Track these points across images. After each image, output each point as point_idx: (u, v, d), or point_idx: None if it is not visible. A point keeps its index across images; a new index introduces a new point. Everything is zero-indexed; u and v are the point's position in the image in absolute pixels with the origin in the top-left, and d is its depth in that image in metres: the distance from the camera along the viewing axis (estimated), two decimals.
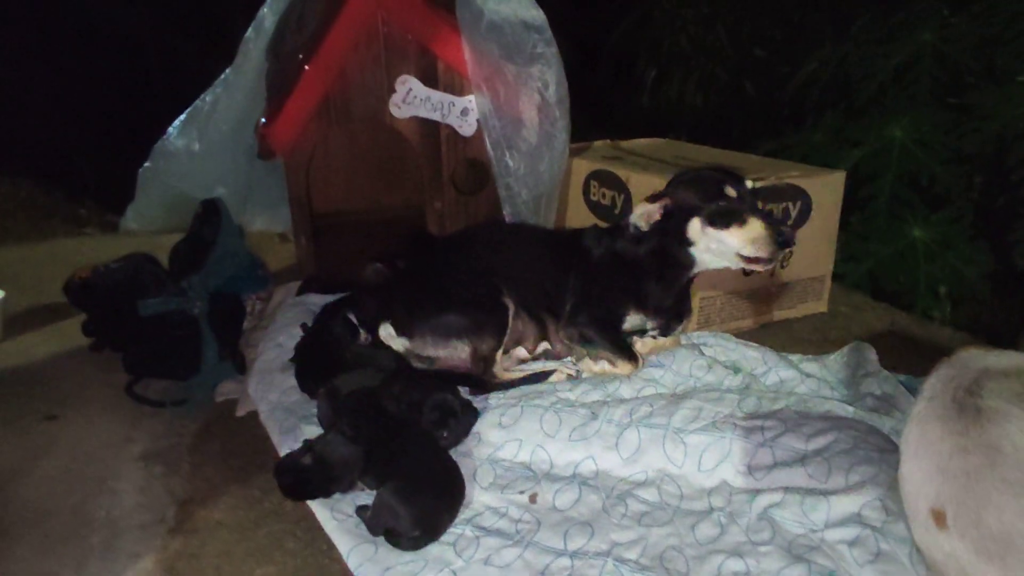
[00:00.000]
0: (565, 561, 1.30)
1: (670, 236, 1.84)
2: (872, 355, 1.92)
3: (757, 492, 1.42)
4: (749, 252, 1.73)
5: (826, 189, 2.30)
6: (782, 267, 2.30)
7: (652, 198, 1.85)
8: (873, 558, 1.24)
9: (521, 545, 1.33)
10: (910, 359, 2.00)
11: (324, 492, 1.48)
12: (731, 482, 1.47)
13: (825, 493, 1.38)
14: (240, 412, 1.89)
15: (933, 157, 3.48)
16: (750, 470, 1.47)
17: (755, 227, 1.71)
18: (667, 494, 1.47)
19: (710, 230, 1.77)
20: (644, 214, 1.84)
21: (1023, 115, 3.33)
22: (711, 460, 1.50)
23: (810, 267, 2.35)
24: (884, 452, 1.46)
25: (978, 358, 1.30)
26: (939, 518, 1.14)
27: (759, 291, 2.29)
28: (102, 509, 1.51)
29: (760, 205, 2.16)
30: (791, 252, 2.29)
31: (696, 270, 1.89)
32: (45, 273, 2.80)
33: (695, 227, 1.79)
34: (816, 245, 2.34)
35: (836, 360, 1.97)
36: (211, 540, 1.41)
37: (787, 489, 1.41)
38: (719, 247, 1.77)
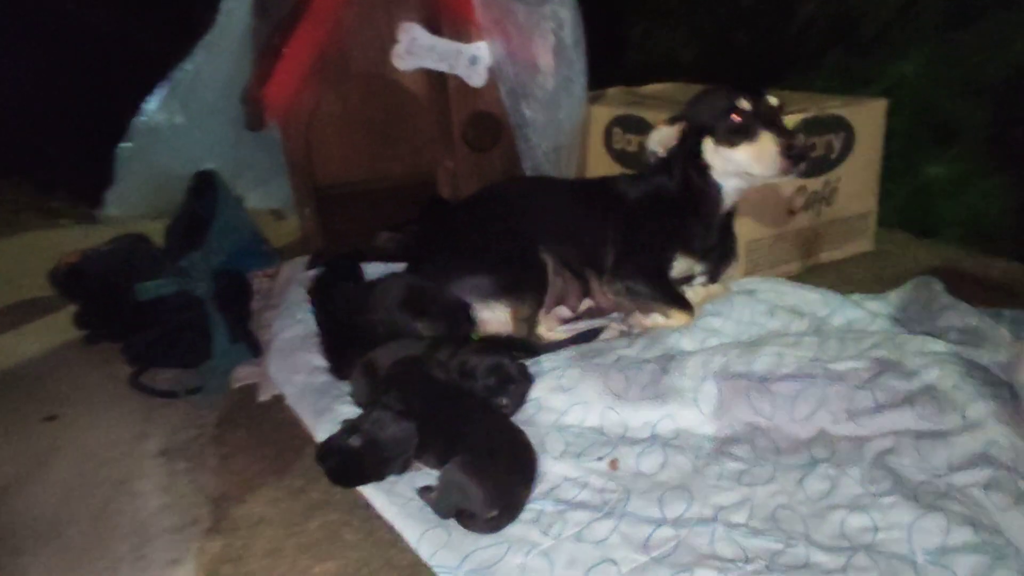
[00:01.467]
0: (668, 531, 1.14)
1: (690, 162, 1.72)
2: (940, 287, 1.78)
3: (864, 439, 1.28)
4: (758, 170, 1.60)
5: (868, 118, 2.16)
6: (828, 205, 2.16)
7: (669, 121, 1.73)
8: (1016, 500, 1.10)
9: (614, 516, 1.18)
10: (967, 294, 1.87)
11: (377, 475, 1.31)
12: (831, 430, 1.33)
13: (942, 434, 1.24)
14: (263, 397, 1.71)
15: (946, 91, 3.36)
16: (851, 416, 1.33)
17: (766, 142, 1.57)
18: (761, 449, 1.32)
19: (722, 149, 1.65)
20: (661, 138, 1.73)
21: None
22: (805, 408, 1.36)
23: (855, 203, 2.22)
24: (994, 386, 1.32)
25: None
26: None
27: (805, 231, 2.15)
28: (125, 514, 1.33)
29: (804, 138, 2.03)
30: (836, 187, 2.15)
31: (728, 200, 1.76)
32: (22, 267, 2.58)
33: (709, 148, 1.67)
34: (860, 179, 2.20)
35: (901, 296, 1.83)
36: (256, 538, 1.24)
37: (898, 433, 1.27)
38: (733, 167, 1.66)
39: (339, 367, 1.67)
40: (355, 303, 1.73)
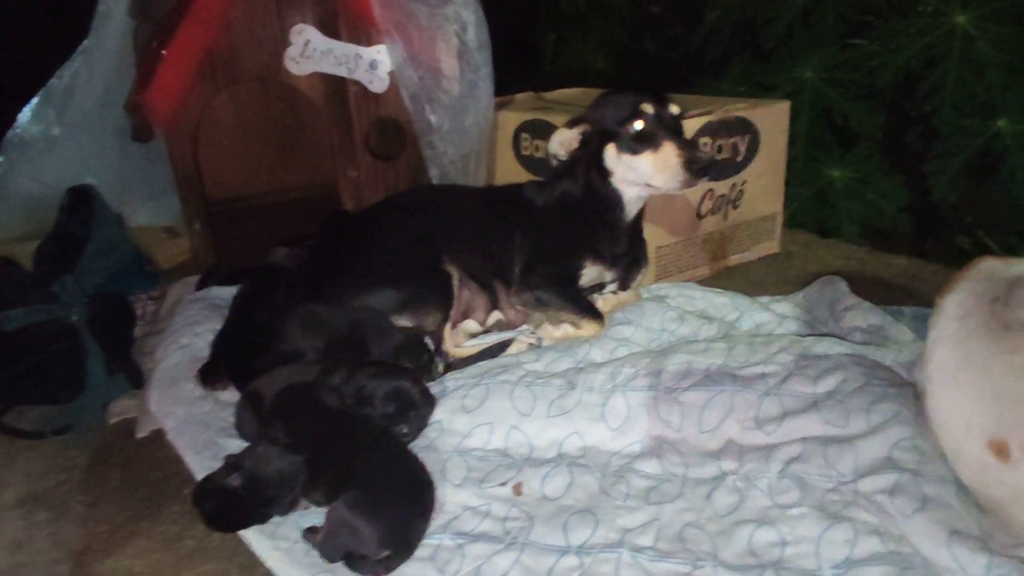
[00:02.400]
0: (572, 560, 1.08)
1: (592, 167, 1.68)
2: (845, 287, 1.79)
3: (772, 448, 1.25)
4: (659, 182, 1.58)
5: (772, 120, 2.17)
6: (735, 208, 2.16)
7: (570, 123, 1.68)
8: (920, 505, 1.08)
9: (515, 548, 1.10)
10: (870, 293, 1.89)
11: (260, 517, 1.19)
12: (739, 440, 1.29)
13: (848, 439, 1.22)
14: (141, 433, 1.56)
15: (845, 95, 3.47)
16: (758, 424, 1.29)
17: (668, 152, 1.55)
18: (670, 463, 1.27)
19: (624, 156, 1.61)
20: (562, 141, 1.68)
21: (929, 45, 3.34)
22: (713, 418, 1.32)
23: (762, 205, 2.23)
24: (898, 387, 1.31)
25: (1002, 268, 1.16)
26: (1000, 450, 1.00)
27: (713, 235, 2.14)
28: None
29: (709, 142, 2.03)
30: (742, 190, 2.16)
31: (630, 208, 1.73)
32: None
33: (611, 154, 1.64)
34: (766, 181, 2.21)
35: (807, 297, 1.83)
36: None
37: (805, 440, 1.24)
38: (634, 176, 1.62)
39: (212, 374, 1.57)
40: (273, 325, 1.61)
